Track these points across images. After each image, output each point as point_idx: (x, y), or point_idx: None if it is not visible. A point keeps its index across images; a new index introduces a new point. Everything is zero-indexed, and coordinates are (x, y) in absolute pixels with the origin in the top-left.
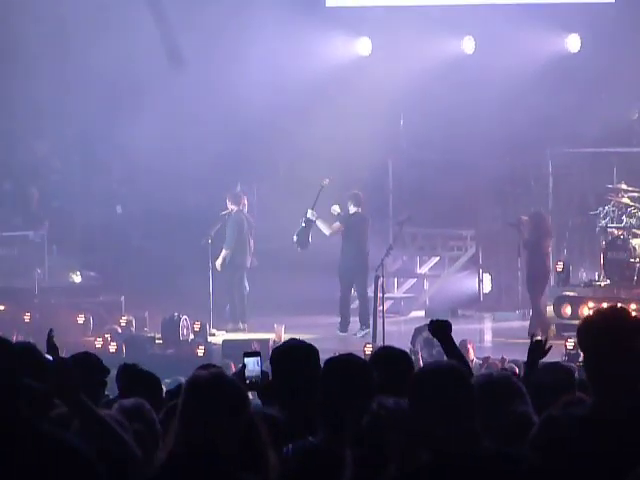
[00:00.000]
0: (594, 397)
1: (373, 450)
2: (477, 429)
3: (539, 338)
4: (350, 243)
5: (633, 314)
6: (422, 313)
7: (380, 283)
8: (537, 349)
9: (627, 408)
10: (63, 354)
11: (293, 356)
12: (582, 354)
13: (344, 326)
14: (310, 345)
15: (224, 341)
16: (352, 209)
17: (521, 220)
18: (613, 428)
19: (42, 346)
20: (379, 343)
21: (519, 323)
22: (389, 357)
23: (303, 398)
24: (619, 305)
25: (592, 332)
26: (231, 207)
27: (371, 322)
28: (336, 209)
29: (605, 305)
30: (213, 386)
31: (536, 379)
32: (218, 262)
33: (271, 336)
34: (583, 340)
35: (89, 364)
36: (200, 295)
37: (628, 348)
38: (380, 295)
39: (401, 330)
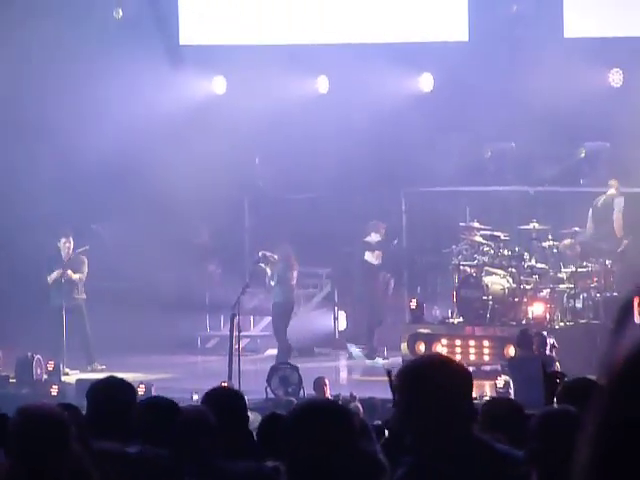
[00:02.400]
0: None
1: None
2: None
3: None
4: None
5: (455, 362)
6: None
7: (236, 321)
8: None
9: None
10: None
11: (111, 393)
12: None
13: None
14: (126, 381)
15: (78, 380)
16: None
17: (266, 255)
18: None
19: None
20: (234, 382)
21: (374, 361)
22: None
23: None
24: (442, 354)
25: (405, 378)
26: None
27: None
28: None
29: (455, 343)
30: (37, 419)
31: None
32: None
33: (127, 375)
34: (396, 383)
35: None
36: (54, 334)
37: (437, 397)
38: (236, 333)
39: (257, 368)
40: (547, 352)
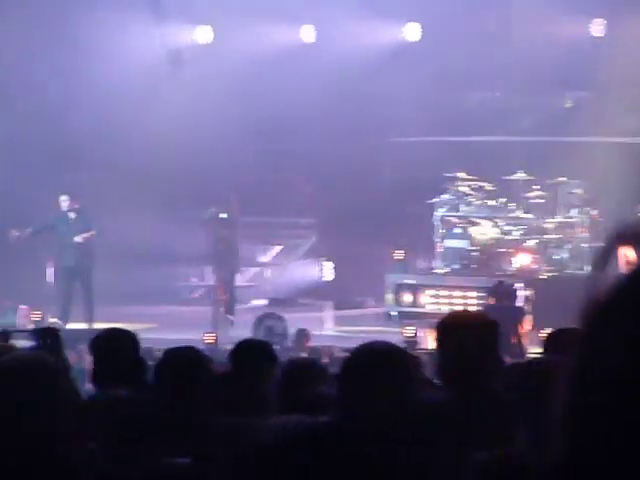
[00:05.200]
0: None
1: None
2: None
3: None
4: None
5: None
6: (264, 302)
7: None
8: None
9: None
10: None
11: (117, 342)
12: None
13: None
14: (130, 331)
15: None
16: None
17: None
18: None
19: None
20: (220, 332)
21: (359, 311)
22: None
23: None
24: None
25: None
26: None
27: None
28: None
29: (440, 294)
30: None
31: None
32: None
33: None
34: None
35: None
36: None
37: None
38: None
39: (243, 319)
40: (517, 304)
